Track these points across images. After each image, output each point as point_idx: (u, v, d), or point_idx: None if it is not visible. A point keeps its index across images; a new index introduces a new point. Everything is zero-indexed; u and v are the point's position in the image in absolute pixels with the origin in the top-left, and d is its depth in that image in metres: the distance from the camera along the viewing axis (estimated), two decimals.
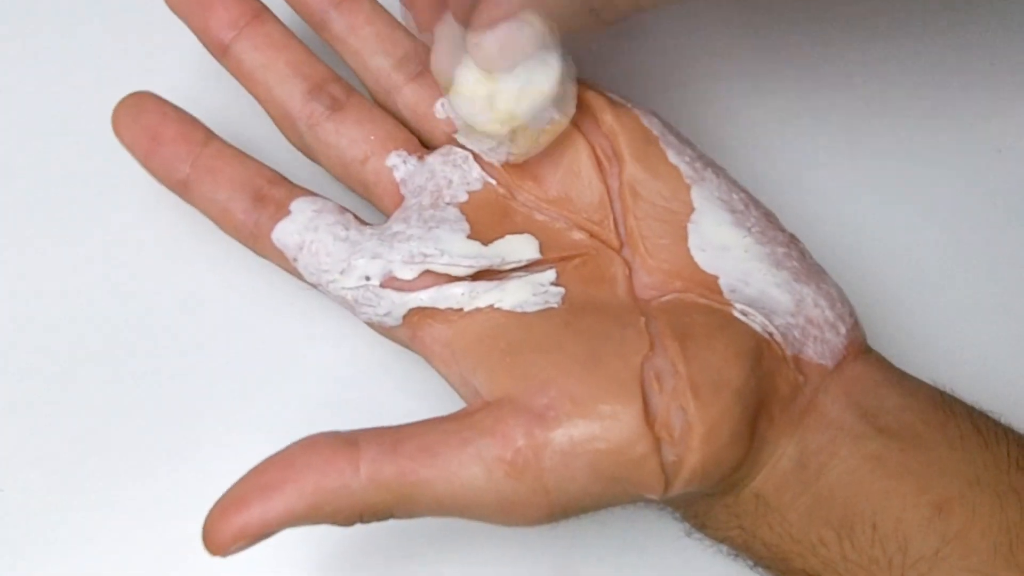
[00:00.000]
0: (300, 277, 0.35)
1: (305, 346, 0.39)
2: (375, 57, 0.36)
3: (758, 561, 0.33)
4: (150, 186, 0.39)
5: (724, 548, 0.34)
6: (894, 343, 0.35)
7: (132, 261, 0.39)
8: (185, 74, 0.37)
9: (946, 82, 0.42)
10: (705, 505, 0.33)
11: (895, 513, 0.31)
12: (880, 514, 0.31)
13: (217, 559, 0.36)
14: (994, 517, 0.31)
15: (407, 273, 0.33)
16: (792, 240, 0.34)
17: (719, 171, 0.35)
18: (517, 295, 0.32)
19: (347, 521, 0.30)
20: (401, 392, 0.38)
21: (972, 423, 0.32)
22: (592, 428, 0.30)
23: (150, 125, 0.35)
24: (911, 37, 0.43)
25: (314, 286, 0.35)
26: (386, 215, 0.36)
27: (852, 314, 0.34)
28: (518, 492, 0.29)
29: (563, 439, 0.30)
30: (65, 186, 0.40)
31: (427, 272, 0.33)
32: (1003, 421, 0.33)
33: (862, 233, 0.40)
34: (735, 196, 0.34)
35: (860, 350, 0.33)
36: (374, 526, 0.36)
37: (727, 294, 0.33)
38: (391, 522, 0.36)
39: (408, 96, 0.36)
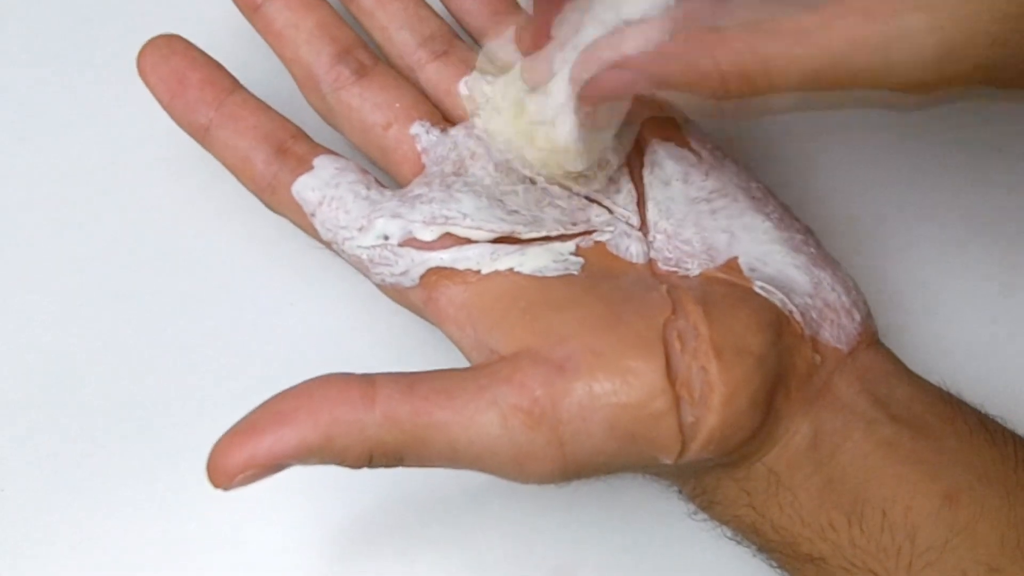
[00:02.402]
0: (314, 235, 0.34)
1: (309, 346, 0.37)
2: (401, 32, 0.36)
3: (763, 545, 0.32)
4: (148, 185, 0.39)
5: (728, 532, 0.33)
6: (893, 343, 0.34)
7: (132, 261, 0.38)
8: (202, 40, 0.36)
9: None
10: (715, 479, 0.32)
11: (905, 500, 0.30)
12: (890, 501, 0.30)
13: (215, 560, 0.35)
14: (1002, 512, 0.30)
15: (427, 234, 0.32)
16: (808, 230, 0.34)
17: (737, 162, 0.35)
18: (537, 260, 0.32)
19: (358, 460, 0.28)
20: None
21: (979, 420, 0.32)
22: (612, 382, 0.28)
23: (177, 67, 0.34)
24: None
25: (327, 244, 0.34)
26: (401, 184, 0.35)
27: (865, 304, 0.33)
28: (533, 443, 0.28)
29: (582, 391, 0.28)
30: (64, 185, 0.39)
31: (447, 235, 0.32)
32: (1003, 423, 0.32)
33: (862, 233, 0.39)
34: (753, 185, 0.34)
35: (872, 340, 0.33)
36: (375, 520, 0.36)
37: (747, 272, 0.32)
38: (391, 519, 0.36)
39: (431, 73, 0.36)
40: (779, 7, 0.27)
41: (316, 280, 0.38)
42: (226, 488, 0.27)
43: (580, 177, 0.33)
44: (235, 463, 0.27)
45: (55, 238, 0.39)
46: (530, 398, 0.28)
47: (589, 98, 0.30)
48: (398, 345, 0.37)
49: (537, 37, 0.33)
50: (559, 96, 0.32)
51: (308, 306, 0.38)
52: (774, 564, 0.33)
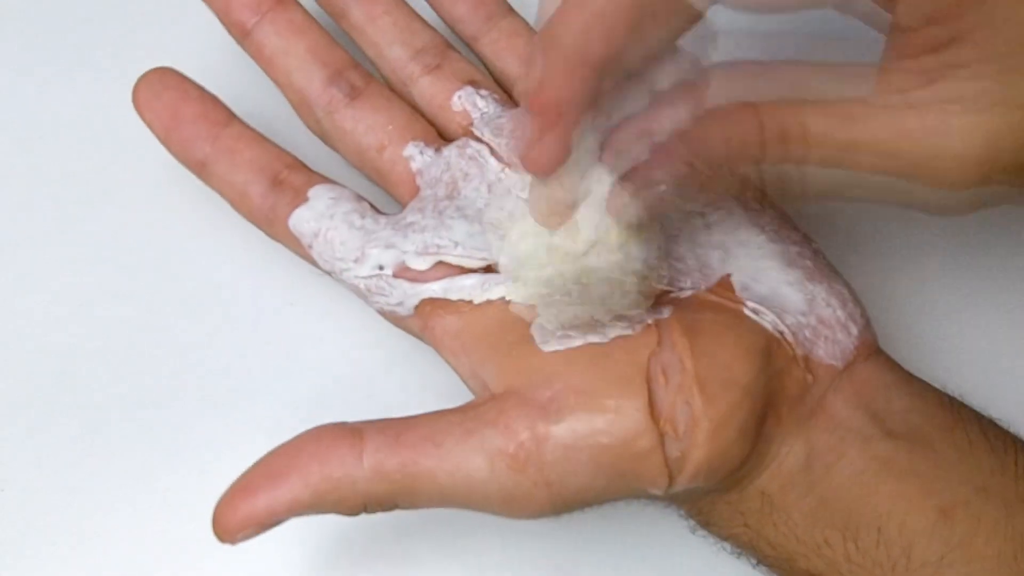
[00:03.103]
0: (314, 263, 0.34)
1: (308, 346, 0.37)
2: (393, 47, 0.35)
3: (762, 560, 0.32)
4: (148, 185, 0.39)
5: (728, 547, 0.33)
6: (894, 346, 0.33)
7: (132, 260, 0.38)
8: (202, 60, 0.36)
9: None
10: (709, 502, 0.32)
11: (900, 517, 0.30)
12: (885, 517, 0.30)
13: (215, 560, 0.35)
14: (999, 525, 0.29)
15: (420, 264, 0.32)
16: (805, 240, 0.33)
17: (734, 171, 0.33)
18: (528, 287, 0.31)
19: (352, 511, 0.29)
20: (407, 391, 0.37)
21: (980, 429, 0.31)
22: (595, 422, 0.28)
23: (171, 103, 0.34)
24: None
25: (328, 273, 0.34)
26: (400, 204, 0.35)
27: (863, 315, 0.32)
28: (520, 485, 0.29)
29: (566, 432, 0.28)
30: (64, 185, 0.39)
31: (440, 263, 0.32)
32: (1008, 427, 0.32)
33: (862, 234, 0.39)
34: (749, 194, 0.33)
35: (870, 351, 0.32)
36: (375, 524, 0.34)
37: (739, 292, 0.31)
38: (391, 521, 0.34)
39: (425, 87, 0.35)
40: (824, 84, 0.27)
41: (316, 280, 0.38)
42: (233, 543, 0.28)
43: (646, 277, 0.31)
44: (236, 521, 0.28)
45: (55, 238, 0.39)
46: (515, 442, 0.29)
47: (634, 187, 0.29)
48: (398, 345, 0.37)
49: (554, 153, 0.29)
50: (597, 200, 0.30)
51: (308, 306, 0.38)
52: None
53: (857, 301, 0.33)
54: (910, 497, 0.30)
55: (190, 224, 0.39)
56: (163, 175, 0.39)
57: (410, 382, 0.37)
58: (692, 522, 0.33)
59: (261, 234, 0.37)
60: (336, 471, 0.28)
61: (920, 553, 0.30)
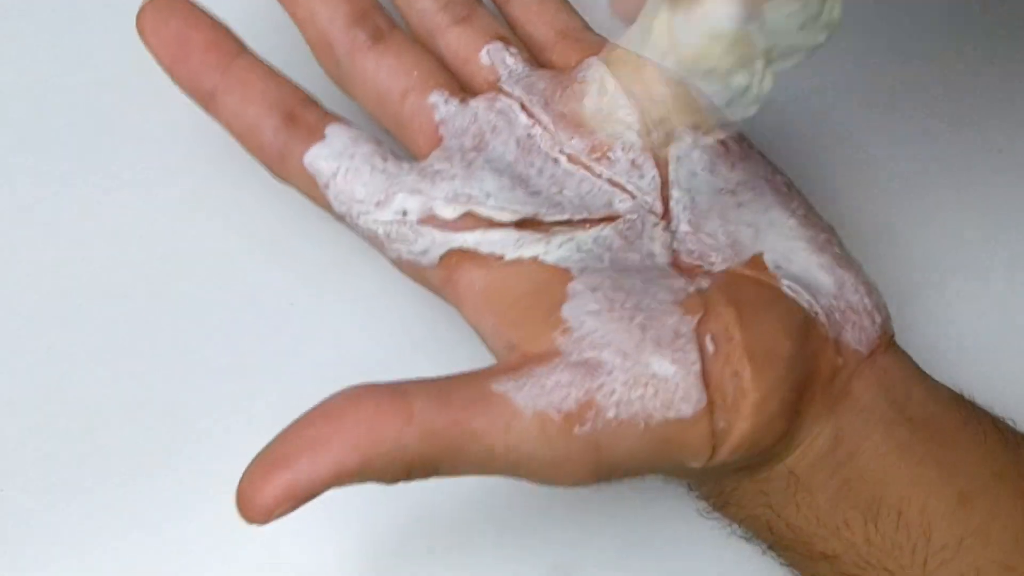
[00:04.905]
0: (326, 206, 0.32)
1: (309, 346, 0.37)
2: None
3: (775, 543, 0.32)
4: (148, 184, 0.38)
5: (739, 530, 0.32)
6: (901, 346, 0.33)
7: (131, 260, 0.37)
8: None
9: (946, 82, 0.41)
10: (736, 480, 0.31)
11: (921, 500, 0.30)
12: (906, 500, 0.30)
13: (215, 559, 0.34)
14: (1016, 512, 0.30)
15: (449, 212, 0.30)
16: (831, 229, 0.33)
17: (763, 154, 0.33)
18: (562, 250, 0.30)
19: (395, 477, 0.27)
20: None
21: (993, 424, 0.31)
22: (648, 386, 0.28)
23: (180, 30, 0.31)
24: (911, 37, 0.41)
25: (341, 217, 0.32)
26: (416, 156, 0.33)
27: (885, 307, 0.32)
28: (571, 447, 0.27)
29: (619, 395, 0.27)
30: (63, 184, 0.38)
31: (469, 214, 0.30)
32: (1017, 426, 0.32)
33: (862, 233, 0.37)
34: (779, 178, 0.33)
35: (890, 343, 0.32)
36: (373, 521, 0.35)
37: (772, 269, 0.31)
38: (387, 518, 0.35)
39: (452, 39, 0.34)
40: None
41: (316, 280, 0.37)
42: (265, 522, 0.25)
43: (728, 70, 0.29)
44: (272, 495, 0.25)
45: (55, 238, 0.38)
46: (569, 403, 0.27)
47: None
48: (398, 344, 0.37)
49: None
50: None
51: (308, 305, 0.37)
52: (783, 562, 0.32)
53: (879, 292, 0.33)
54: (930, 482, 0.30)
55: (190, 224, 0.38)
56: (163, 175, 0.38)
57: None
58: (704, 504, 0.33)
59: (262, 234, 0.37)
60: (384, 434, 0.26)
61: (939, 536, 0.30)
